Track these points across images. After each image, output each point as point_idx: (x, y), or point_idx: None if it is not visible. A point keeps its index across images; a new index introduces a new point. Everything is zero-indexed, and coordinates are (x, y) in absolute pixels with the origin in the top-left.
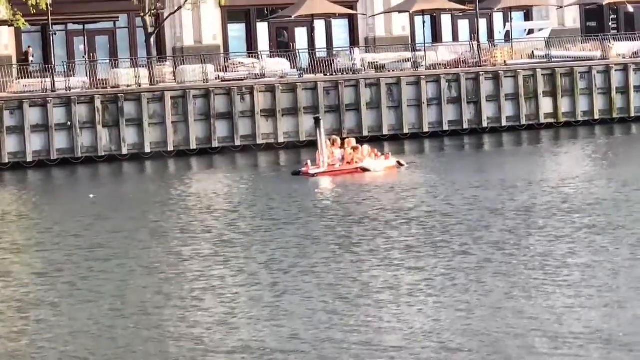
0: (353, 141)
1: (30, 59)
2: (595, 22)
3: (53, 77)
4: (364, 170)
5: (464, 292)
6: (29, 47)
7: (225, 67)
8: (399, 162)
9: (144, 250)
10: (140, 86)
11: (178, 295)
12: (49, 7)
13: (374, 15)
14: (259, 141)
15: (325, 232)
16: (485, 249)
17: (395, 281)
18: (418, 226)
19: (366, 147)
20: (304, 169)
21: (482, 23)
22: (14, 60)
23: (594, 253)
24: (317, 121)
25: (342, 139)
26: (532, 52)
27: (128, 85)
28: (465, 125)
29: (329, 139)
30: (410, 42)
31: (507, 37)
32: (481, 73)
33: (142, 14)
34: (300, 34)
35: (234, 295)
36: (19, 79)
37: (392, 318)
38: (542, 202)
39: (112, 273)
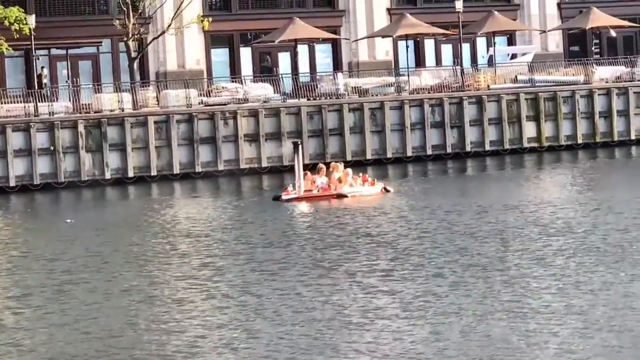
0: (341, 167)
1: (44, 81)
2: (578, 47)
3: (36, 102)
4: (340, 196)
5: (433, 315)
6: (42, 67)
7: (209, 91)
8: (385, 189)
9: (111, 275)
10: (123, 111)
11: (147, 317)
12: (32, 32)
13: (357, 40)
14: (242, 166)
15: (294, 256)
16: (460, 272)
17: (368, 304)
18: (391, 250)
19: (351, 176)
20: (284, 194)
21: (466, 47)
22: None
23: (568, 276)
24: (295, 146)
25: (327, 164)
26: (516, 76)
27: (111, 110)
28: (449, 150)
29: (316, 168)
30: (393, 67)
31: (491, 61)
32: (464, 97)
33: (125, 39)
34: (284, 58)
35: (203, 316)
36: (1, 103)
37: (363, 340)
38: (519, 225)
39: (79, 297)
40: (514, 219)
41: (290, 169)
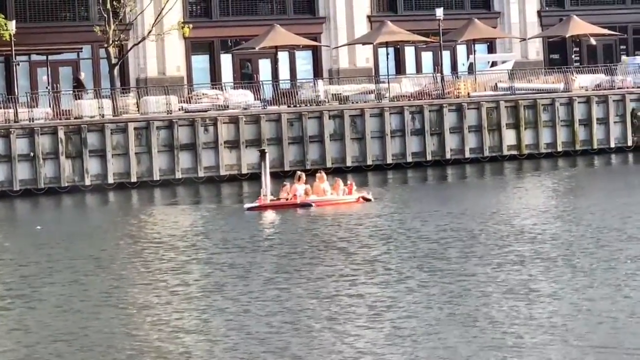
0: (324, 175)
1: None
2: (558, 55)
3: (16, 108)
4: (304, 205)
5: (390, 320)
6: (82, 73)
7: (189, 98)
8: (363, 198)
9: (63, 282)
10: (103, 117)
11: (109, 321)
12: (12, 38)
13: (337, 47)
14: (223, 172)
15: (255, 264)
16: (425, 278)
17: (330, 309)
18: (353, 257)
19: (325, 185)
20: (255, 202)
21: (446, 55)
22: None
23: (538, 283)
24: (262, 154)
25: (307, 172)
26: (496, 84)
27: (91, 116)
28: (429, 157)
29: (296, 176)
30: (373, 74)
31: (471, 69)
32: (444, 105)
33: (105, 45)
34: (264, 65)
35: (167, 321)
36: None
37: (324, 345)
38: (489, 233)
39: (36, 302)
40: (484, 226)
41: (272, 175)
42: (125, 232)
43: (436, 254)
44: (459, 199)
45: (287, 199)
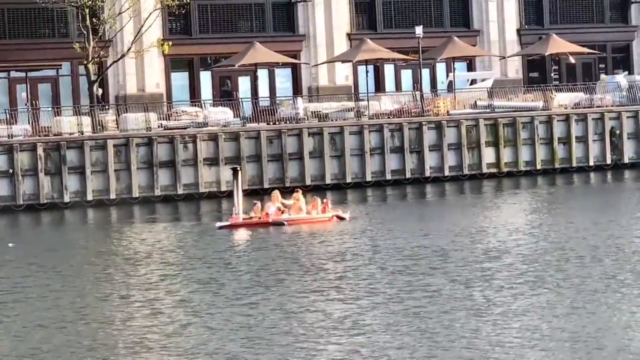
0: (300, 194)
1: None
2: (537, 73)
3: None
4: (277, 224)
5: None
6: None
7: (168, 115)
8: (338, 216)
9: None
10: (82, 134)
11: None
12: None
13: (317, 65)
14: (202, 189)
15: (220, 280)
16: (392, 295)
17: (296, 324)
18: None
19: (303, 202)
20: (229, 221)
21: (425, 73)
22: None
23: (505, 299)
24: (235, 172)
25: (286, 190)
26: (475, 102)
27: (71, 133)
28: (408, 175)
29: (270, 195)
30: (353, 92)
31: (450, 87)
32: (424, 123)
33: (85, 62)
34: (244, 82)
35: (131, 335)
36: None
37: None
38: (466, 249)
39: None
40: (458, 244)
41: (250, 193)
42: (98, 249)
43: (404, 271)
44: (436, 217)
45: (259, 218)
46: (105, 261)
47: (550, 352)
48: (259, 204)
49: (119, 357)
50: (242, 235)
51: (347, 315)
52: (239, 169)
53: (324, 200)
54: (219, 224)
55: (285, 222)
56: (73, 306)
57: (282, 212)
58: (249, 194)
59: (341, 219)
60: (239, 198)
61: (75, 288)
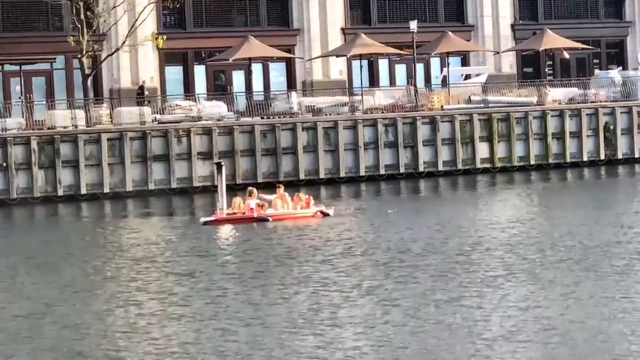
0: (282, 190)
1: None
2: (531, 68)
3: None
4: (261, 219)
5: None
6: (143, 81)
7: (162, 109)
8: (322, 212)
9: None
10: (76, 128)
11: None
12: None
13: (311, 59)
14: (196, 184)
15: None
16: (375, 287)
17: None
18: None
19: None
20: (213, 217)
21: (420, 68)
22: None
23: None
24: (218, 167)
25: (282, 183)
26: (469, 97)
27: (64, 127)
28: (402, 170)
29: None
30: (347, 86)
31: (444, 82)
32: (418, 117)
33: (79, 56)
34: (238, 77)
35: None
36: None
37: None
38: (457, 244)
39: None
40: (449, 238)
41: (243, 188)
42: (87, 242)
43: (390, 266)
44: (429, 212)
45: (243, 213)
46: (91, 254)
47: (546, 345)
48: (237, 199)
49: (101, 351)
50: (225, 230)
51: (322, 308)
52: (222, 163)
53: (306, 197)
54: (204, 219)
55: (270, 218)
56: (53, 300)
57: (263, 207)
58: (243, 188)
59: (325, 214)
60: (222, 193)
61: (55, 280)
